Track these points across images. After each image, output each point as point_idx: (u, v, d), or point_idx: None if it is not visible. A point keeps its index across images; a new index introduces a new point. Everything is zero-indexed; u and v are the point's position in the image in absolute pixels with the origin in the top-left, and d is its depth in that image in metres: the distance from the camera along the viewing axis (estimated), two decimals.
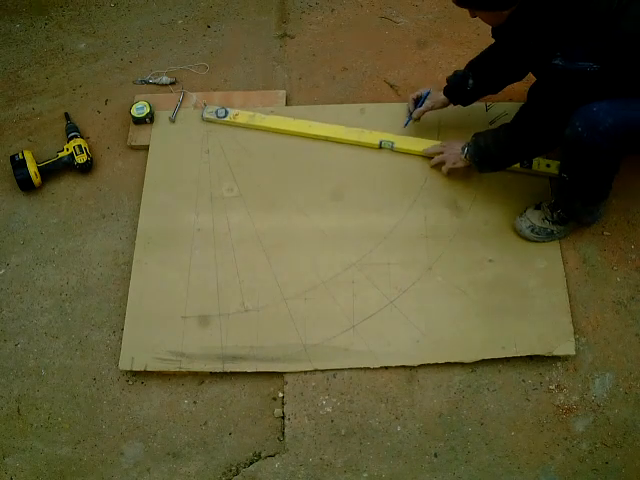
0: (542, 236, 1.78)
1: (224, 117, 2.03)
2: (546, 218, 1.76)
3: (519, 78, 1.83)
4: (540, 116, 1.58)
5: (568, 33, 1.42)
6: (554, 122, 1.54)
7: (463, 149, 1.78)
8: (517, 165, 1.85)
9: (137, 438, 1.67)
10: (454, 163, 1.83)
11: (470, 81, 1.82)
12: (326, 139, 1.98)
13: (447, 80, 1.87)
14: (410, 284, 1.77)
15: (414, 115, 1.95)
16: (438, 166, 1.89)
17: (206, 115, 2.04)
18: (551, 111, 1.54)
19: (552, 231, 1.78)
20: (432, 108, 1.92)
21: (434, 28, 2.30)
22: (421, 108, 1.92)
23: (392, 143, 1.94)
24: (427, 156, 1.92)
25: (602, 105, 1.45)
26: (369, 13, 2.37)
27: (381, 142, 1.94)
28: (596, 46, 1.40)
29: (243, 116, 2.03)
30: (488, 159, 1.74)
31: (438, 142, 1.91)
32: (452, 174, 1.87)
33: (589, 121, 1.46)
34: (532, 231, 1.78)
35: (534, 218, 1.78)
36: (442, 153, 1.86)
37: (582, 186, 1.63)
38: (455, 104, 1.90)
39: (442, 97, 1.90)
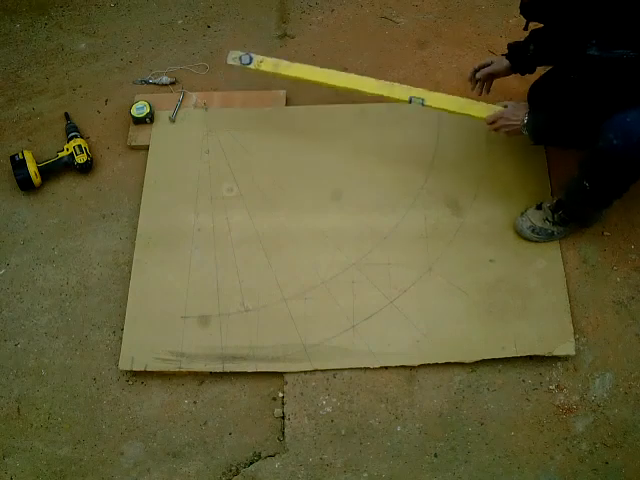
0: (542, 237, 1.78)
1: (249, 64, 1.92)
2: (547, 219, 1.76)
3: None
4: (576, 107, 1.53)
5: (603, 20, 1.37)
6: (589, 114, 1.50)
7: (524, 121, 1.68)
8: None
9: (137, 438, 1.67)
10: (513, 133, 1.74)
11: (531, 47, 1.74)
12: (355, 91, 1.86)
13: (508, 46, 1.81)
14: (410, 284, 1.77)
15: (478, 75, 1.85)
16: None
17: (230, 61, 1.93)
18: (586, 102, 1.49)
19: (553, 232, 1.77)
20: (495, 72, 1.83)
21: (434, 28, 2.30)
22: (486, 70, 1.84)
23: (422, 100, 1.82)
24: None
25: (635, 115, 1.42)
26: (369, 13, 2.37)
27: (411, 98, 1.82)
28: (632, 32, 1.35)
29: (267, 64, 1.92)
30: (543, 136, 1.69)
31: (468, 100, 1.81)
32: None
33: (624, 132, 1.43)
34: (533, 231, 1.78)
35: (535, 218, 1.77)
36: (501, 124, 1.75)
37: (601, 194, 1.62)
38: (516, 71, 1.82)
39: (505, 62, 1.81)
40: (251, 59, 1.93)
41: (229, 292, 1.78)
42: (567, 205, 1.73)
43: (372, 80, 1.84)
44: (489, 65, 1.84)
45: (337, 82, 1.86)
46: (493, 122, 1.75)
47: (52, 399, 1.73)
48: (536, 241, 1.79)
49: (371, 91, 1.84)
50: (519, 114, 1.70)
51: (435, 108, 1.81)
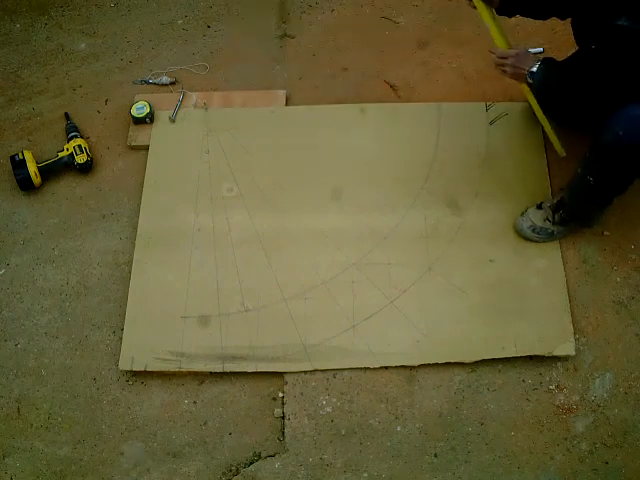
0: (543, 236, 1.78)
1: None
2: (547, 219, 1.76)
3: (563, 13, 1.70)
4: (602, 78, 1.50)
5: None
6: (615, 86, 1.48)
7: (530, 72, 1.66)
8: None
9: (137, 438, 1.67)
10: (515, 75, 1.71)
11: None
12: None
13: None
14: (410, 284, 1.77)
15: None
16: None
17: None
18: (614, 73, 1.46)
19: (553, 231, 1.78)
20: None
21: (434, 28, 2.30)
22: None
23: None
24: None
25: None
26: (369, 13, 2.37)
27: None
28: None
29: None
30: (561, 86, 1.63)
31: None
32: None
33: (631, 125, 1.43)
34: (533, 231, 1.78)
35: (535, 218, 1.78)
36: (509, 58, 1.71)
37: (605, 189, 1.62)
38: (496, 6, 1.75)
39: None
40: None
41: (229, 292, 1.78)
42: (569, 204, 1.73)
43: None
44: None
45: None
46: (503, 58, 1.72)
47: (52, 399, 1.73)
48: (536, 241, 1.79)
49: None
50: (529, 61, 1.67)
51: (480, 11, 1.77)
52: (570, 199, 1.72)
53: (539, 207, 1.79)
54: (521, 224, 1.79)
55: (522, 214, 1.81)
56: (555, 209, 1.75)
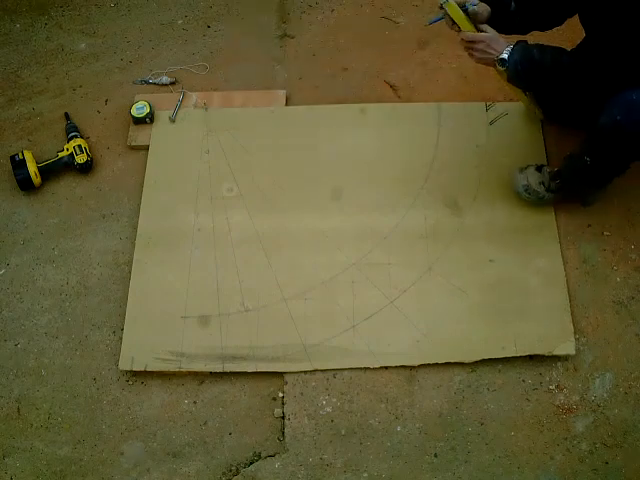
0: (532, 197, 1.81)
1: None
2: (542, 183, 1.78)
3: (561, 18, 1.67)
4: (599, 63, 1.48)
5: None
6: (614, 70, 1.46)
7: (501, 53, 1.57)
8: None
9: (137, 438, 1.67)
10: (482, 59, 1.63)
11: (513, 3, 1.64)
12: None
13: None
14: (410, 284, 1.77)
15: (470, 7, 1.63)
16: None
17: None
18: (618, 56, 1.45)
19: (543, 196, 1.79)
20: (476, 14, 1.62)
21: (434, 28, 2.28)
22: (475, 7, 1.62)
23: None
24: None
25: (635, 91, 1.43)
26: (369, 13, 2.37)
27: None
28: None
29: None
30: (534, 73, 1.57)
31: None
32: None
33: (628, 109, 1.44)
34: (525, 190, 1.80)
35: (532, 179, 1.79)
36: (478, 42, 1.62)
37: (601, 171, 1.64)
38: (493, 24, 1.64)
39: (488, 8, 1.65)
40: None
41: (229, 292, 1.78)
42: (565, 179, 1.75)
43: None
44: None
45: None
46: (471, 42, 1.62)
47: (52, 399, 1.73)
48: (525, 200, 1.82)
49: None
50: (498, 47, 1.60)
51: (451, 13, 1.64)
52: (566, 175, 1.74)
53: (539, 169, 1.80)
54: (517, 180, 1.81)
55: (521, 170, 1.82)
56: (553, 177, 1.76)
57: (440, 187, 1.90)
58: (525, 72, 1.57)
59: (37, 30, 2.42)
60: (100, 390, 1.73)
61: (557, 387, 1.65)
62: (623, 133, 1.45)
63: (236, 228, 1.88)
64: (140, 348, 1.72)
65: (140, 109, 2.06)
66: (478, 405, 1.65)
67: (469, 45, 1.63)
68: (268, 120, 2.06)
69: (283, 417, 1.66)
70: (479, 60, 1.63)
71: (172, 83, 2.22)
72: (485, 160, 1.93)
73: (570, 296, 1.74)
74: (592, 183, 1.73)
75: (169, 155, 2.02)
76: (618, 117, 1.45)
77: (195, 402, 1.70)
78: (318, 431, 1.64)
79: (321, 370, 1.69)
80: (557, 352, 1.65)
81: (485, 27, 1.62)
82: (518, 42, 1.59)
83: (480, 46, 1.61)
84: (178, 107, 2.11)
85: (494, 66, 1.61)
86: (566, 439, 1.60)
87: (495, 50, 1.59)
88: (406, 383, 1.68)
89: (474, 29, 1.63)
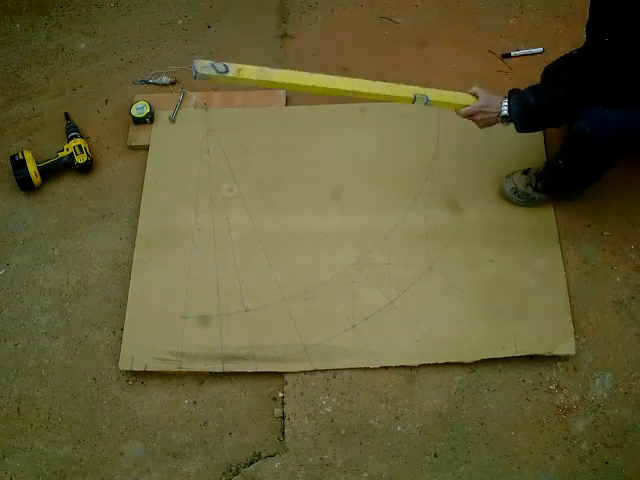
0: (523, 200, 1.82)
1: (225, 72, 1.56)
2: (530, 184, 1.80)
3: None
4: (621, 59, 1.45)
5: None
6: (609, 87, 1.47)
7: (500, 111, 1.59)
8: None
9: (137, 438, 1.67)
10: (486, 123, 1.66)
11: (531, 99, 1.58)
12: (354, 94, 1.63)
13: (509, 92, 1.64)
14: (410, 284, 1.77)
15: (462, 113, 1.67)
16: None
17: (201, 71, 1.53)
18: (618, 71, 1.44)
19: (534, 197, 1.81)
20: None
21: (434, 28, 2.30)
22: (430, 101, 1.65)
23: (427, 97, 1.67)
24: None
25: (612, 110, 1.46)
26: (369, 13, 2.37)
27: (415, 96, 1.67)
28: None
29: (249, 71, 1.58)
30: (537, 118, 1.59)
31: (472, 97, 1.66)
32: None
33: (597, 122, 1.47)
34: (514, 193, 1.82)
35: (519, 182, 1.82)
36: (475, 114, 1.65)
37: (574, 175, 1.68)
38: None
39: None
40: (227, 67, 1.58)
41: (229, 292, 1.78)
42: (545, 177, 1.78)
43: (368, 82, 1.67)
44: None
45: (331, 85, 1.61)
46: (470, 115, 1.66)
47: (52, 399, 1.73)
48: (516, 203, 1.83)
49: (373, 92, 1.66)
50: (495, 105, 1.61)
51: (440, 103, 1.69)
52: (546, 175, 1.77)
53: (525, 172, 1.83)
54: (505, 185, 1.84)
55: (508, 176, 1.85)
56: (539, 177, 1.79)
57: (440, 187, 1.90)
58: (528, 119, 1.59)
59: (37, 30, 2.42)
60: (100, 390, 1.73)
61: (557, 387, 1.65)
62: (590, 144, 1.50)
63: (236, 228, 1.88)
64: (140, 348, 1.72)
65: (140, 109, 2.06)
66: (478, 405, 1.65)
67: (469, 119, 1.66)
68: (268, 120, 2.06)
69: (283, 417, 1.66)
70: (484, 125, 1.66)
71: (172, 83, 2.22)
72: (485, 160, 1.93)
73: (570, 296, 1.73)
74: (570, 186, 1.76)
75: (169, 155, 2.02)
76: (587, 129, 1.48)
77: (195, 402, 1.70)
78: (318, 431, 1.64)
79: (321, 370, 1.69)
80: (557, 352, 1.65)
81: (475, 90, 1.65)
82: (510, 92, 1.61)
83: (478, 116, 1.64)
84: (178, 107, 2.11)
85: (501, 124, 1.63)
86: (566, 439, 1.60)
87: (493, 111, 1.62)
88: (406, 383, 1.68)
89: (464, 102, 1.66)
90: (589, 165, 1.61)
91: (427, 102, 1.67)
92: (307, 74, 1.61)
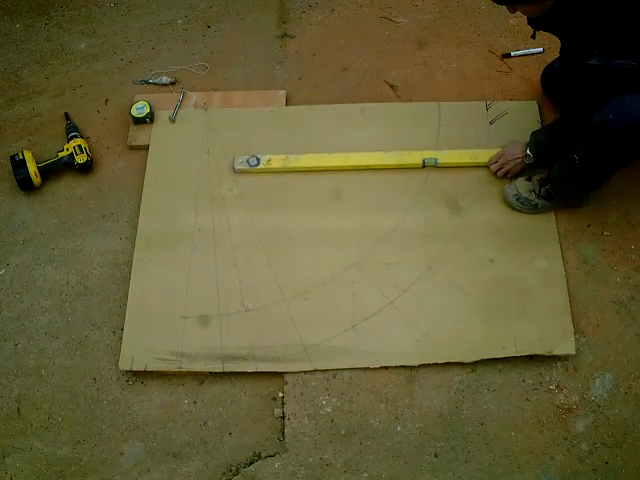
0: (526, 207, 1.81)
1: (257, 165, 1.93)
2: (533, 190, 1.79)
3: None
4: (580, 112, 1.59)
5: (605, 31, 1.42)
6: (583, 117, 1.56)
7: (525, 152, 1.80)
8: None
9: (137, 438, 1.67)
10: (516, 168, 1.85)
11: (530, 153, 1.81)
12: (366, 168, 1.93)
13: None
14: (410, 284, 1.77)
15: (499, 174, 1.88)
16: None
17: (238, 167, 1.94)
18: (590, 107, 1.53)
19: (537, 204, 1.80)
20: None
21: (434, 28, 2.30)
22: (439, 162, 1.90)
23: (436, 159, 1.90)
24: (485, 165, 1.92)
25: (634, 96, 1.46)
26: (369, 13, 2.37)
27: (424, 161, 1.90)
28: (633, 43, 1.40)
29: (277, 160, 1.94)
30: (546, 153, 1.77)
31: (481, 151, 1.91)
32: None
33: (621, 110, 1.47)
34: (517, 200, 1.81)
35: (522, 188, 1.81)
36: (503, 162, 1.86)
37: (588, 171, 1.66)
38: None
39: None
40: (258, 160, 1.94)
41: (229, 292, 1.78)
42: (554, 180, 1.76)
43: (381, 154, 1.93)
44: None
45: (348, 163, 1.93)
46: (496, 162, 1.86)
47: (52, 399, 1.73)
48: (519, 210, 1.83)
49: (383, 163, 1.92)
50: (517, 150, 1.80)
51: (450, 164, 1.90)
52: (556, 177, 1.75)
53: (529, 179, 1.83)
54: (507, 191, 1.83)
55: (510, 182, 1.84)
56: (543, 183, 1.78)
57: (440, 187, 1.90)
58: (545, 154, 1.77)
59: (37, 30, 2.42)
60: (100, 390, 1.73)
61: (557, 387, 1.65)
62: (612, 132, 1.48)
63: (236, 228, 1.88)
64: (140, 348, 1.72)
65: (140, 109, 2.06)
66: (478, 405, 1.65)
67: (498, 168, 1.86)
68: (268, 120, 2.06)
69: (283, 417, 1.66)
70: (517, 172, 1.85)
71: (172, 83, 2.22)
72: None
73: (570, 296, 1.74)
74: (581, 185, 1.73)
75: (169, 155, 2.02)
76: (610, 116, 1.48)
77: (195, 402, 1.70)
78: (318, 431, 1.64)
79: (321, 370, 1.69)
80: (557, 352, 1.65)
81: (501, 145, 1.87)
82: (531, 136, 1.80)
83: (503, 159, 1.84)
84: (178, 107, 2.11)
85: (527, 165, 1.82)
86: (566, 439, 1.60)
87: (517, 154, 1.82)
88: (406, 383, 1.68)
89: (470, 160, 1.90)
90: (607, 158, 1.58)
91: (436, 164, 1.90)
92: (326, 155, 1.94)
